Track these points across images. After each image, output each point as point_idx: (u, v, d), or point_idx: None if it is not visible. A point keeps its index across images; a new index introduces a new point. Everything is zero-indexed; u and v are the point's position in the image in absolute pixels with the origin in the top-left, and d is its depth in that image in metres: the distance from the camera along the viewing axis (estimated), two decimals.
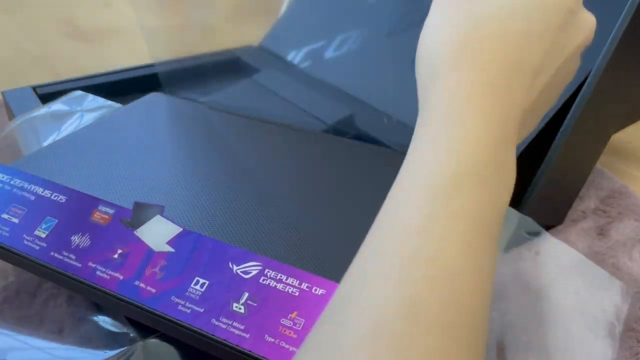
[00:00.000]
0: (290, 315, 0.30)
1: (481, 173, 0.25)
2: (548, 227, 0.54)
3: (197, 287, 0.32)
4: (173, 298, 0.32)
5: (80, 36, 0.98)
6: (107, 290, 0.34)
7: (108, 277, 0.34)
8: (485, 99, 0.26)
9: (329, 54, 0.65)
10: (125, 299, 0.33)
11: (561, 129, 0.48)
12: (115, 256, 0.35)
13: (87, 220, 0.37)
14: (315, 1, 0.73)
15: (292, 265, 0.32)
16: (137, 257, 0.34)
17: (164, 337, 0.34)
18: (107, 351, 0.36)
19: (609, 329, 0.40)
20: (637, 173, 0.66)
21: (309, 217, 0.39)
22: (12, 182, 0.40)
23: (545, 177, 0.48)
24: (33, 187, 0.39)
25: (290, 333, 0.29)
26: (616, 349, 0.39)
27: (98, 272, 0.34)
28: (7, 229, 0.37)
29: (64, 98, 0.58)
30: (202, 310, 0.31)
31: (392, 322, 0.21)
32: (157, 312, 0.32)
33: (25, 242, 0.36)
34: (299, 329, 0.29)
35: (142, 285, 0.33)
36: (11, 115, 0.60)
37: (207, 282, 0.32)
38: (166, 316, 0.32)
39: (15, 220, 0.37)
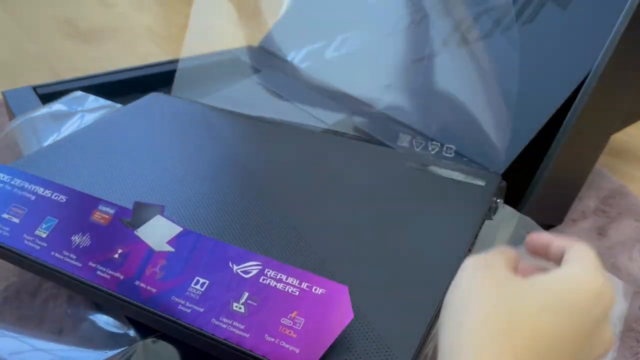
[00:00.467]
0: (290, 314, 0.30)
1: None
2: (548, 227, 0.54)
3: (197, 286, 0.32)
4: (173, 298, 0.32)
5: (80, 36, 0.98)
6: (108, 290, 0.33)
7: (108, 277, 0.34)
8: None
9: (329, 54, 0.65)
10: (126, 299, 0.33)
11: (561, 129, 0.48)
12: (116, 256, 0.35)
13: (87, 220, 0.37)
14: (315, 1, 0.73)
15: (292, 265, 0.32)
16: (137, 257, 0.34)
17: (164, 337, 0.34)
18: (107, 351, 0.36)
19: (612, 325, 0.40)
20: (637, 173, 0.67)
21: (309, 216, 0.39)
22: (12, 182, 0.40)
23: (545, 177, 0.48)
24: (33, 187, 0.39)
25: (290, 333, 0.29)
26: (616, 348, 0.39)
27: (98, 272, 0.34)
28: (8, 228, 0.37)
29: (64, 98, 0.58)
30: (202, 310, 0.31)
31: None
32: (157, 312, 0.32)
33: (26, 242, 0.36)
34: (299, 328, 0.29)
35: (142, 285, 0.33)
36: (11, 115, 0.60)
37: (207, 282, 0.32)
38: (166, 316, 0.32)
39: (16, 220, 0.37)
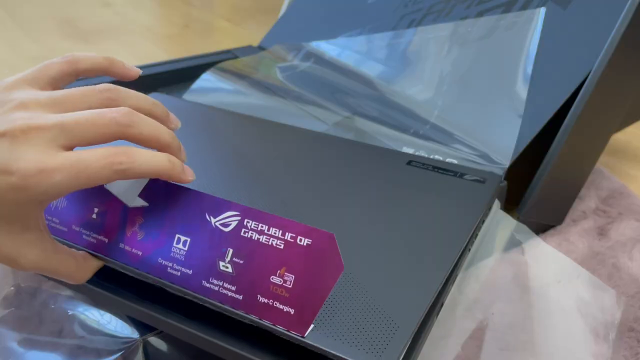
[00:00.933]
0: (279, 271, 0.29)
1: None
2: (548, 227, 0.54)
3: (180, 245, 0.31)
4: (160, 260, 0.31)
5: (80, 36, 0.98)
6: (100, 256, 0.33)
7: (95, 241, 0.33)
8: None
9: (330, 53, 0.65)
10: (117, 263, 0.32)
11: (561, 129, 0.48)
12: (94, 216, 0.34)
13: None
14: (315, 1, 0.73)
15: (271, 213, 0.30)
16: (114, 216, 0.33)
17: (164, 335, 0.34)
18: (107, 350, 0.36)
19: (606, 331, 0.40)
20: (637, 173, 0.67)
21: (302, 204, 0.39)
22: None
23: (546, 177, 0.48)
24: None
25: (282, 292, 0.28)
26: (610, 355, 0.39)
27: (84, 236, 0.34)
28: None
29: None
30: (190, 272, 0.30)
31: None
32: (151, 277, 0.31)
33: None
34: (290, 286, 0.28)
35: (127, 248, 0.32)
36: None
37: (189, 240, 0.31)
38: (161, 280, 0.31)
39: None
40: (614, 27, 0.45)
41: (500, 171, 0.46)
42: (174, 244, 0.31)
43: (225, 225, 0.31)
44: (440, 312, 0.34)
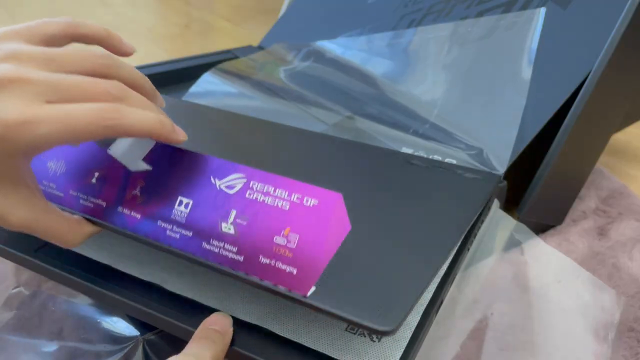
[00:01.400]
0: (283, 232, 0.28)
1: None
2: (548, 227, 0.54)
3: (182, 208, 0.30)
4: (159, 223, 0.30)
5: None
6: (96, 220, 0.32)
7: (92, 205, 0.32)
8: None
9: (330, 53, 0.65)
10: (113, 227, 0.31)
11: (561, 129, 0.48)
12: (93, 181, 0.33)
13: None
14: (315, 1, 0.73)
15: (278, 174, 0.29)
16: (115, 181, 0.32)
17: (164, 334, 0.34)
18: (107, 350, 0.36)
19: (606, 331, 0.40)
20: (637, 173, 0.66)
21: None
22: None
23: (546, 177, 0.48)
24: None
25: (285, 252, 0.27)
26: (610, 355, 0.39)
27: (81, 201, 0.32)
28: None
29: None
30: (190, 234, 0.29)
31: None
32: (148, 240, 0.30)
33: None
34: (294, 246, 0.27)
35: (125, 211, 0.31)
36: None
37: (191, 202, 0.30)
38: (157, 243, 0.30)
39: None
40: (614, 27, 0.45)
41: (499, 171, 0.46)
42: (175, 206, 0.30)
43: (230, 187, 0.30)
44: (440, 312, 0.34)
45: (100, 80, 0.28)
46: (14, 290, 0.41)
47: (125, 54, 0.34)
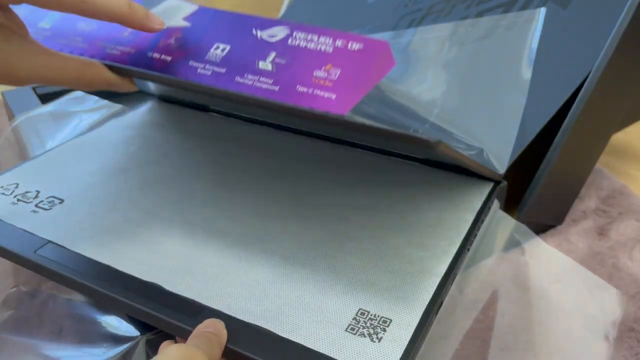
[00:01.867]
0: (324, 67, 0.26)
1: None
2: (548, 227, 0.54)
3: (218, 51, 0.29)
4: (191, 63, 0.29)
5: None
6: (119, 66, 0.31)
7: (118, 53, 0.31)
8: None
9: None
10: (138, 70, 0.30)
11: (561, 129, 0.48)
12: (126, 34, 0.31)
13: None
14: (315, 1, 0.73)
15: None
16: (148, 34, 0.31)
17: (164, 334, 0.34)
18: (107, 350, 0.36)
19: (607, 331, 0.40)
20: (637, 173, 0.66)
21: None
22: None
23: (546, 177, 0.48)
24: None
25: (325, 82, 0.26)
26: (610, 355, 0.39)
27: (107, 50, 0.31)
28: None
29: (64, 98, 0.58)
30: (224, 70, 0.28)
31: None
32: (173, 78, 0.29)
33: (32, 34, 0.32)
34: (335, 78, 0.26)
35: (155, 55, 0.30)
36: (11, 115, 0.60)
37: (229, 47, 0.29)
38: (184, 81, 0.29)
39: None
40: (614, 27, 0.45)
41: (499, 171, 0.46)
42: (211, 50, 0.29)
43: (272, 36, 0.29)
44: (440, 312, 0.34)
45: None
46: (13, 289, 0.41)
47: (152, 29, 0.31)
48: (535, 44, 0.51)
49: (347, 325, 0.30)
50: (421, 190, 0.41)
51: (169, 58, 0.29)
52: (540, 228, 0.53)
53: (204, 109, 0.54)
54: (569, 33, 0.50)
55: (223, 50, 0.29)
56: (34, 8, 0.29)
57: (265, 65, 0.27)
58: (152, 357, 0.34)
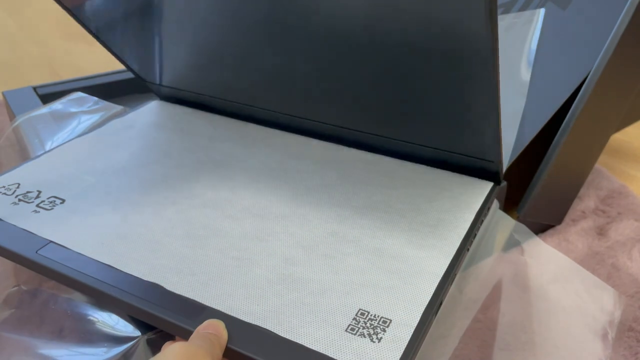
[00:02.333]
0: None
1: None
2: (547, 227, 0.54)
3: None
4: None
5: (80, 36, 0.98)
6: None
7: None
8: None
9: None
10: None
11: (560, 129, 0.48)
12: None
13: None
14: None
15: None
16: None
17: (165, 334, 0.35)
18: (108, 350, 0.36)
19: (606, 330, 0.40)
20: (637, 173, 0.67)
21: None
22: None
23: (545, 177, 0.48)
24: None
25: None
26: (609, 354, 0.39)
27: None
28: None
29: (65, 99, 0.58)
30: None
31: None
32: None
33: None
34: None
35: None
36: (12, 116, 0.60)
37: None
38: None
39: None
40: (613, 28, 0.46)
41: (500, 171, 0.46)
42: None
43: None
44: (440, 312, 0.35)
45: None
46: (13, 289, 0.42)
47: None
48: (535, 44, 0.51)
49: (347, 325, 0.30)
50: (421, 190, 0.41)
51: None
52: (540, 228, 0.53)
53: (204, 109, 0.54)
54: (568, 33, 0.50)
55: None
56: None
57: None
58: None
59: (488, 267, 0.43)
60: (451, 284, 0.37)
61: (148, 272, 0.35)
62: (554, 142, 0.48)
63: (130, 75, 0.69)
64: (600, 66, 0.46)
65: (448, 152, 0.42)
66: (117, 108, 0.57)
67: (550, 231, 0.54)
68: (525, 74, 0.50)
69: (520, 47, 0.52)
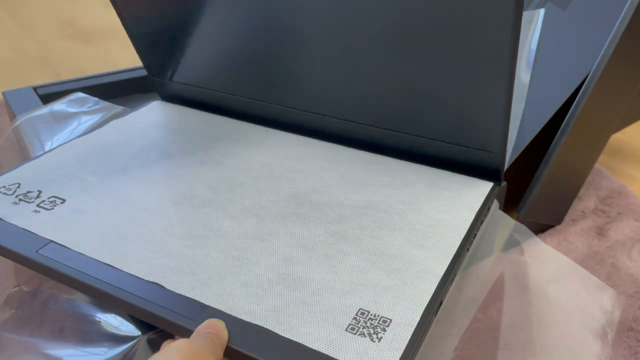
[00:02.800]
0: None
1: None
2: (547, 227, 0.54)
3: None
4: None
5: (80, 36, 0.98)
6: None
7: None
8: None
9: None
10: None
11: (561, 129, 0.48)
12: None
13: None
14: None
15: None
16: None
17: (166, 333, 0.35)
18: (108, 350, 0.36)
19: (605, 330, 0.40)
20: (637, 173, 0.67)
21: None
22: None
23: (545, 177, 0.48)
24: None
25: None
26: (609, 354, 0.39)
27: None
28: None
29: (65, 99, 0.58)
30: None
31: None
32: None
33: None
34: None
35: None
36: (12, 116, 0.60)
37: None
38: None
39: None
40: (613, 28, 0.46)
41: (499, 171, 0.46)
42: None
43: None
44: (440, 312, 0.35)
45: None
46: (14, 289, 0.42)
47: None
48: (535, 44, 0.51)
49: (347, 325, 0.30)
50: (421, 190, 0.42)
51: None
52: (540, 228, 0.53)
53: (206, 108, 0.54)
54: (568, 33, 0.50)
55: None
56: None
57: None
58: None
59: (488, 267, 0.43)
60: (451, 284, 0.37)
61: (148, 271, 0.35)
62: (554, 142, 0.48)
63: (130, 75, 0.69)
64: (600, 66, 0.46)
65: (452, 144, 0.41)
66: (118, 108, 0.57)
67: (550, 231, 0.54)
68: (525, 74, 0.50)
69: (520, 47, 0.52)
